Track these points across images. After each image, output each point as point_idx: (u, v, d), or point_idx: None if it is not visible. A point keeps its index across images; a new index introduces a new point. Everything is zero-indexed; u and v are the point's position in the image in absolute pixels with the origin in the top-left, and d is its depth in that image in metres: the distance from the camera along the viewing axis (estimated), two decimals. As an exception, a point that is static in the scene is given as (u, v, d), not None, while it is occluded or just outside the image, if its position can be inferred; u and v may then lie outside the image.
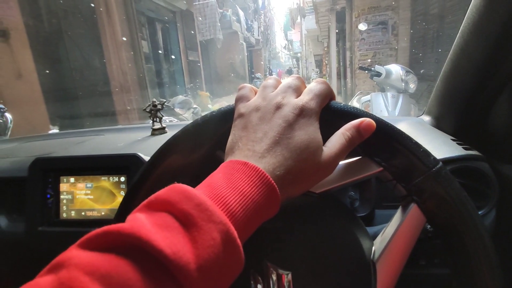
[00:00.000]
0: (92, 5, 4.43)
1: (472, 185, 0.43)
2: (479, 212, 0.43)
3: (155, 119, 0.81)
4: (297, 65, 29.97)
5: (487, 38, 0.40)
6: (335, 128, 0.28)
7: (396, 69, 2.20)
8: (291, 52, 30.24)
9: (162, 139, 0.77)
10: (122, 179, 0.54)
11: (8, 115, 1.80)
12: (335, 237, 0.29)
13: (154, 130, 0.80)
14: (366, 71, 2.28)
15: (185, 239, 0.19)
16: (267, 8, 20.55)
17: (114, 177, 0.55)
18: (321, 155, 0.26)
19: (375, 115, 0.28)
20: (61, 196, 0.56)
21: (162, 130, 0.80)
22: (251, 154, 0.25)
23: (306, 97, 0.28)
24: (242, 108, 0.29)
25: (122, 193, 0.54)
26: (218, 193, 0.22)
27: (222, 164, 0.26)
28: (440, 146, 0.47)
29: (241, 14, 12.36)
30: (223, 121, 0.32)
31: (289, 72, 26.55)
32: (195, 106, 4.61)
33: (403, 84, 2.14)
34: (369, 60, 5.41)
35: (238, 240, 0.21)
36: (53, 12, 4.06)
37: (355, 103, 2.97)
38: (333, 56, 6.91)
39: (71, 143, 0.77)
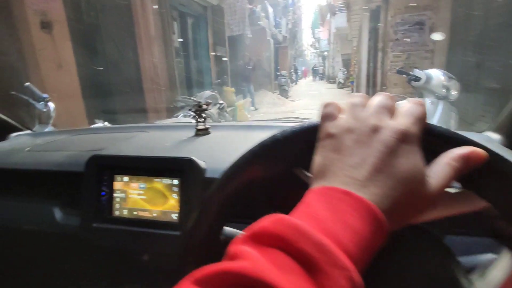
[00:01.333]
0: (128, -1, 4.56)
1: None
2: None
3: (199, 120, 0.81)
4: (323, 63, 29.46)
5: None
6: (432, 153, 0.26)
7: (437, 74, 2.09)
8: (317, 51, 29.74)
9: (206, 140, 0.77)
10: (175, 182, 0.55)
11: (51, 105, 1.88)
12: (429, 274, 0.26)
13: (198, 130, 0.80)
14: (405, 75, 2.17)
15: (311, 286, 0.17)
16: (296, 5, 20.29)
17: (167, 180, 0.55)
18: (428, 186, 0.24)
19: (482, 144, 0.26)
20: (115, 194, 0.57)
21: (205, 131, 0.80)
22: (351, 181, 0.23)
23: (407, 121, 0.25)
24: (331, 128, 0.27)
25: (175, 195, 0.54)
26: (329, 228, 0.20)
27: (316, 190, 0.24)
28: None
29: (270, 10, 12.27)
30: (304, 138, 0.30)
31: (314, 71, 26.14)
32: (221, 101, 4.64)
33: (444, 91, 2.03)
34: (414, 63, 5.17)
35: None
36: (91, 4, 4.21)
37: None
38: (363, 56, 6.71)
39: (118, 139, 0.79)
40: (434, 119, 2.01)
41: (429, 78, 2.07)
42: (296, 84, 18.88)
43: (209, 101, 0.82)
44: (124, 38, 4.64)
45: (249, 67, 7.84)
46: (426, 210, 0.25)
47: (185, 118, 3.03)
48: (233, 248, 0.20)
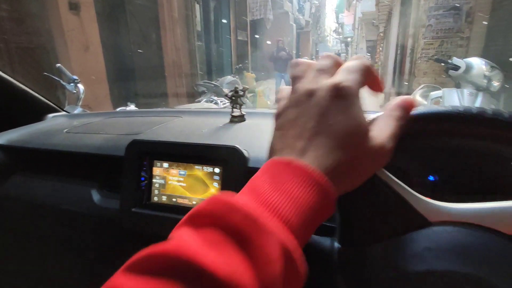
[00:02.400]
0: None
1: None
2: None
3: (235, 106, 0.78)
4: (345, 50, 28.49)
5: None
6: None
7: (478, 63, 1.95)
8: (340, 36, 28.74)
9: (243, 128, 0.75)
10: (217, 170, 0.52)
11: (81, 86, 1.91)
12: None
13: (233, 117, 0.78)
14: (442, 63, 2.05)
15: (241, 257, 0.17)
16: (321, -13, 19.50)
17: (209, 168, 0.53)
18: (371, 140, 0.23)
19: None
20: (154, 180, 0.56)
21: (241, 118, 0.77)
22: (293, 151, 0.23)
23: (340, 76, 0.24)
24: (277, 109, 0.28)
25: (216, 184, 0.53)
26: (267, 199, 0.20)
27: (263, 165, 0.24)
28: None
29: (294, -7, 11.89)
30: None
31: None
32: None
33: (485, 81, 1.89)
34: (447, 51, 4.87)
35: (296, 252, 0.19)
36: (117, -14, 4.21)
37: (417, 97, 2.73)
38: (392, 42, 6.39)
39: (153, 123, 0.78)
40: (472, 112, 1.88)
41: (469, 67, 1.94)
42: (317, 71, 18.35)
43: (247, 87, 0.79)
44: (148, 21, 4.64)
45: (284, 53, 6.80)
46: (379, 165, 0.25)
47: (207, 103, 3.03)
48: (172, 231, 0.20)
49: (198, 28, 6.11)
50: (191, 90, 4.69)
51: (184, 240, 0.18)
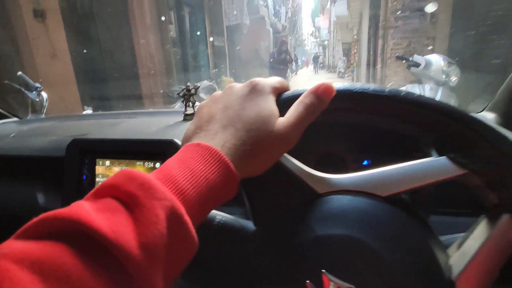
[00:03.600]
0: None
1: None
2: None
3: (188, 104, 0.79)
4: (323, 53, 29.12)
5: None
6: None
7: (436, 60, 2.05)
8: (318, 40, 29.39)
9: (194, 125, 0.75)
10: (157, 165, 0.53)
11: (44, 94, 1.85)
12: (407, 249, 0.25)
13: (186, 115, 0.78)
14: (404, 61, 2.14)
15: (128, 219, 0.19)
16: (296, -8, 19.89)
17: (149, 163, 0.53)
18: (276, 124, 0.26)
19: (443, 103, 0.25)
20: (97, 179, 0.56)
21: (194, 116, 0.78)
22: (205, 134, 0.26)
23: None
24: (201, 103, 0.31)
25: (157, 179, 0.53)
26: (167, 173, 0.22)
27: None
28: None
29: (269, -2, 12.05)
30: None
31: (315, 59, 25.87)
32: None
33: (444, 76, 1.99)
34: (415, 51, 5.08)
35: (186, 217, 0.20)
36: (85, -7, 4.12)
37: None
38: (364, 44, 6.61)
39: (105, 124, 0.77)
40: (433, 106, 1.97)
41: (428, 64, 2.04)
42: (296, 74, 18.71)
43: (198, 84, 0.80)
44: (119, 28, 4.57)
45: (288, 56, 5.52)
46: (283, 149, 0.27)
47: (182, 108, 3.00)
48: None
49: (173, 34, 6.07)
50: (167, 95, 4.64)
51: (77, 206, 0.19)
